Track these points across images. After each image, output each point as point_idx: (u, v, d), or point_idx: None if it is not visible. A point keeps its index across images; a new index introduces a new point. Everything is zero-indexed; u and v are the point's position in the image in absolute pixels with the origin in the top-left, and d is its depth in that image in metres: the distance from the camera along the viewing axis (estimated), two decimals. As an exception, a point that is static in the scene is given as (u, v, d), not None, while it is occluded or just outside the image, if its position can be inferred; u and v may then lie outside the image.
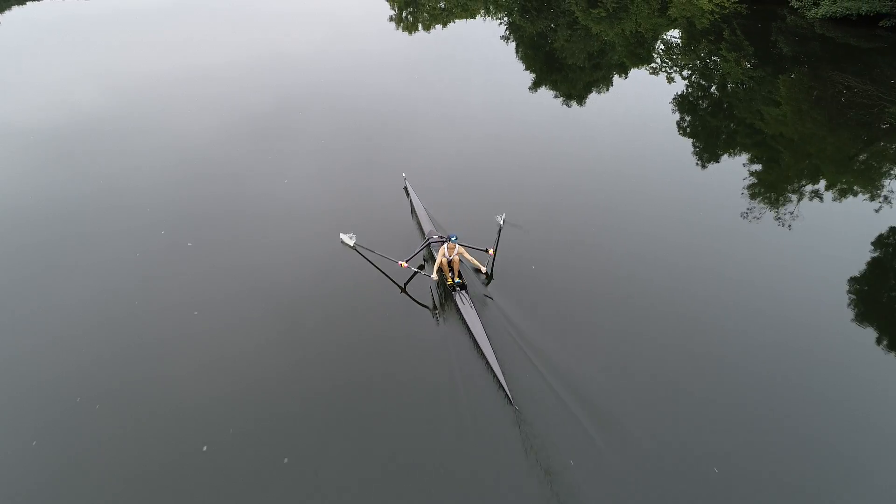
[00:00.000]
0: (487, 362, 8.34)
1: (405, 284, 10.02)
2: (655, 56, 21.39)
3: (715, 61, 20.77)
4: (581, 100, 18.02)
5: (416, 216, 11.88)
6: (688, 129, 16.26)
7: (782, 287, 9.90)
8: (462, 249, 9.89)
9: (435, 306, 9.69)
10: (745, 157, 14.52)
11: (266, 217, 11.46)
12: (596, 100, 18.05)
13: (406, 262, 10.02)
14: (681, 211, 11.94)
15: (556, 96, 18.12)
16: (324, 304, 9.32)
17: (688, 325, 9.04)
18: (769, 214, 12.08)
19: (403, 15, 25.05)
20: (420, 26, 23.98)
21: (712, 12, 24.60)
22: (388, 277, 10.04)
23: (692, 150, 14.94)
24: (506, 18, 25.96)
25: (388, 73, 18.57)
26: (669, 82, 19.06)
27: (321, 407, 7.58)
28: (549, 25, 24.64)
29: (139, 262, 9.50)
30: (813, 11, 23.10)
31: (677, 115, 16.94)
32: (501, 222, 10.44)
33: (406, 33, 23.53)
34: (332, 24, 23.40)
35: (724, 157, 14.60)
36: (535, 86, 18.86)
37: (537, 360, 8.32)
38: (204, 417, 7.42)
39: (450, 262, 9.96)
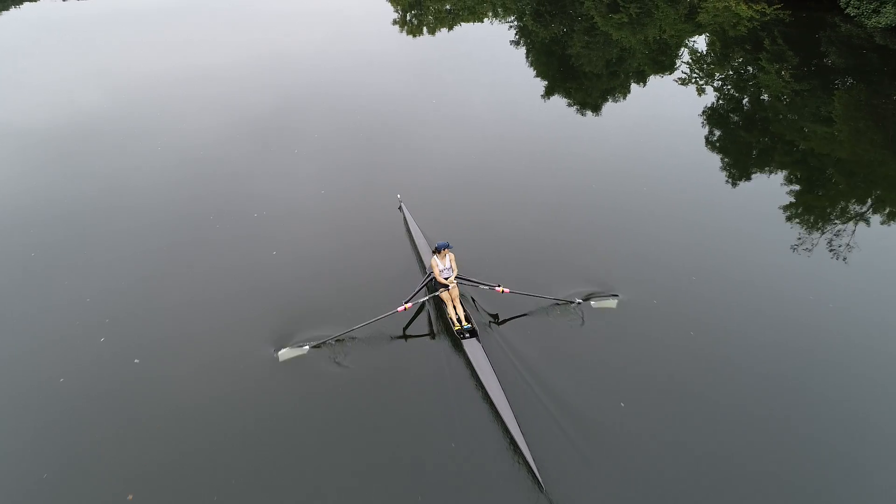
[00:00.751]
0: (510, 435, 6.96)
1: (405, 329, 8.85)
2: (678, 64, 19.75)
3: (750, 72, 18.93)
4: (597, 109, 16.49)
5: (413, 242, 10.65)
6: (717, 144, 14.57)
7: (836, 330, 8.65)
8: (454, 258, 8.94)
9: (442, 364, 8.21)
10: (781, 175, 13.05)
11: (270, 218, 11.13)
12: (613, 109, 16.50)
13: (407, 303, 8.60)
14: (710, 237, 10.72)
15: (569, 104, 16.66)
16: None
17: (751, 388, 7.79)
18: (817, 241, 10.74)
19: (407, 18, 23.79)
20: (425, 29, 22.63)
21: (751, 19, 22.31)
22: (386, 336, 8.70)
23: (720, 165, 13.45)
24: (515, 22, 24.50)
25: (389, 77, 17.62)
26: (700, 94, 17.40)
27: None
28: (564, 30, 23.18)
29: (139, 263, 9.43)
30: (874, 20, 20.66)
31: (705, 129, 15.25)
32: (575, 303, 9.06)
33: (410, 37, 22.27)
34: (333, 25, 22.49)
35: (758, 176, 13.20)
36: (548, 93, 17.42)
37: (566, 425, 7.10)
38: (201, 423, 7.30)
39: (449, 290, 8.76)
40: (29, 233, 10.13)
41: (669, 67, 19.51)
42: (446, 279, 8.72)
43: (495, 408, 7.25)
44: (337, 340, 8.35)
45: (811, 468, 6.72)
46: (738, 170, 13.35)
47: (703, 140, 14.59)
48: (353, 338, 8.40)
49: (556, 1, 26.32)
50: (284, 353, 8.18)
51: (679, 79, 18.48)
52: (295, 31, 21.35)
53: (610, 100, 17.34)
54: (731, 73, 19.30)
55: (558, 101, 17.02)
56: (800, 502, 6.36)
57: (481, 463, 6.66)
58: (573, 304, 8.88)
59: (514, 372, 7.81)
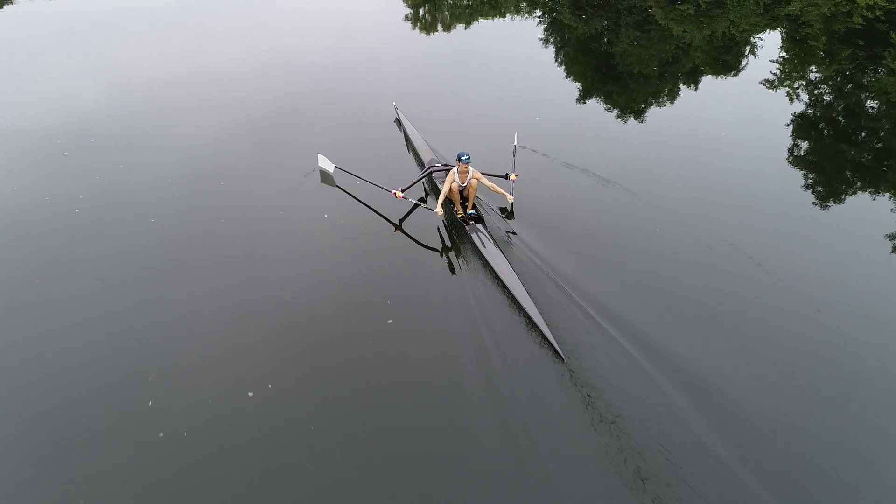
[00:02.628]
0: (520, 307, 7.18)
1: (400, 221, 9.16)
2: (745, 63, 16.71)
3: (853, 74, 15.48)
4: (640, 115, 13.60)
5: (413, 148, 10.96)
6: (804, 158, 11.67)
7: None
8: (479, 175, 8.74)
9: (444, 246, 8.61)
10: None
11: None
12: (663, 115, 13.68)
13: (402, 191, 8.95)
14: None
15: (608, 108, 13.85)
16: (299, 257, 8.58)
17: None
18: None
19: (420, 14, 21.49)
20: (439, 26, 20.23)
21: (873, 6, 18.69)
22: (377, 213, 9.34)
23: (803, 182, 10.79)
24: (545, 17, 21.62)
25: (399, 75, 15.70)
26: (792, 99, 14.21)
27: (324, 381, 6.63)
28: (607, 26, 20.11)
29: (140, 264, 8.61)
30: None
31: (788, 139, 12.26)
32: (515, 143, 10.11)
33: (424, 34, 19.81)
34: (341, 24, 20.57)
35: (862, 195, 10.58)
36: (584, 97, 14.59)
37: (583, 302, 7.25)
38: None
39: (462, 191, 8.81)
40: (24, 232, 9.37)
41: (734, 68, 16.45)
42: (462, 186, 8.70)
43: (508, 289, 7.39)
44: (343, 176, 9.71)
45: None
46: (834, 189, 10.33)
47: (784, 152, 11.70)
48: (354, 197, 9.50)
49: None
50: (323, 163, 9.94)
51: (755, 80, 15.31)
52: (301, 29, 19.91)
53: (660, 104, 14.38)
54: (828, 74, 15.90)
55: (595, 106, 14.03)
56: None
57: (501, 339, 6.87)
58: (514, 141, 10.07)
59: (522, 252, 8.15)
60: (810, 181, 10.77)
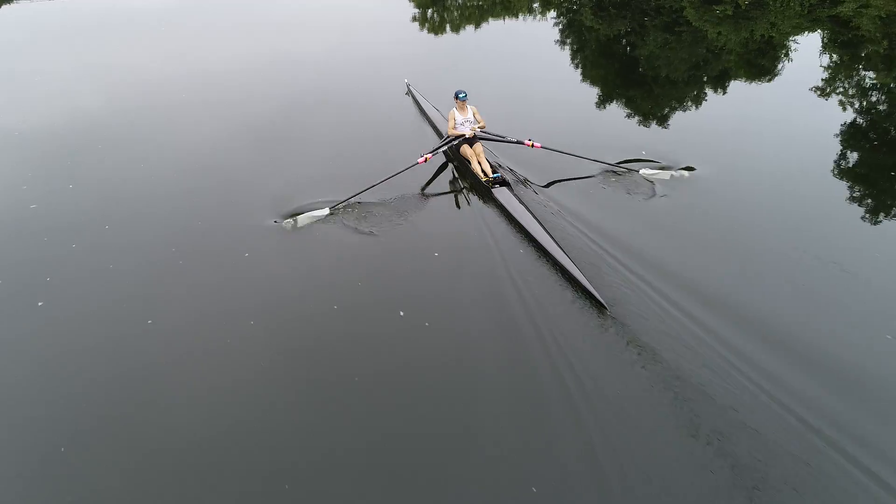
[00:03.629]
0: (555, 262, 7.01)
1: (424, 189, 9.02)
2: (781, 67, 15.22)
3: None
4: (664, 121, 12.15)
5: (429, 119, 11.31)
6: (852, 170, 10.07)
7: None
8: (477, 111, 9.36)
9: (476, 216, 8.29)
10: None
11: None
12: (691, 121, 12.20)
13: (429, 154, 8.87)
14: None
15: (629, 115, 12.28)
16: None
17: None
18: None
19: (429, 14, 20.56)
20: (448, 27, 19.18)
21: None
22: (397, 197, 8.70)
23: (847, 196, 9.19)
24: (562, 18, 20.40)
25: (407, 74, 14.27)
26: (845, 107, 12.64)
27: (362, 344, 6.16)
28: (631, 27, 18.76)
29: (143, 275, 7.93)
30: None
31: (832, 152, 10.63)
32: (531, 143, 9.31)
33: (433, 35, 18.55)
34: (345, 25, 19.73)
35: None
36: (603, 102, 13.19)
37: (618, 254, 7.09)
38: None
39: (472, 146, 9.08)
40: (23, 239, 8.77)
41: (769, 72, 14.94)
42: (467, 130, 9.09)
43: (542, 246, 7.26)
44: (357, 202, 8.47)
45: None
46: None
47: (830, 163, 10.19)
48: (372, 201, 8.54)
49: None
50: (303, 219, 8.16)
51: (819, 88, 13.75)
52: (304, 32, 19.19)
53: (686, 109, 12.94)
54: (885, 81, 14.28)
55: (617, 111, 12.60)
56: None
57: (541, 296, 6.58)
58: (627, 172, 9.06)
59: (552, 215, 7.97)
60: (857, 193, 9.18)
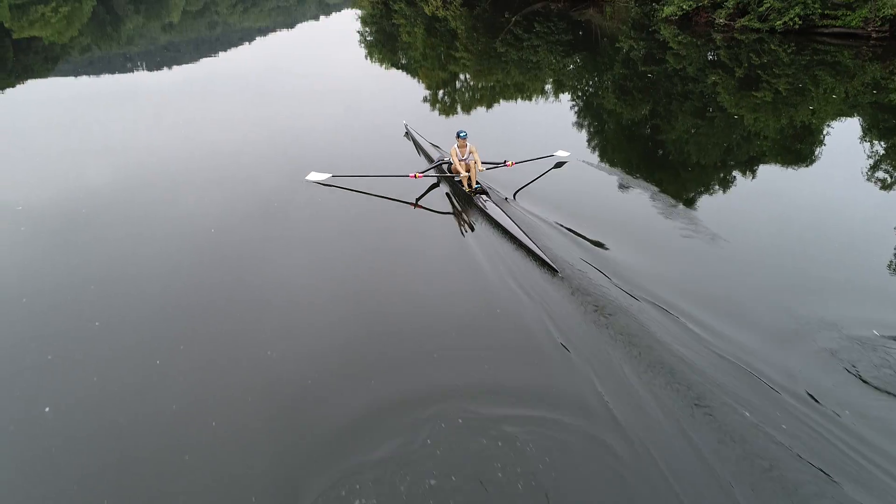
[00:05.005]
0: (519, 243, 9.07)
1: (417, 200, 10.98)
2: (819, 153, 14.15)
3: None
4: (692, 203, 11.33)
5: (423, 152, 13.11)
6: None
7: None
8: (475, 149, 10.70)
9: (457, 210, 10.64)
10: None
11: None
12: (722, 207, 11.44)
13: (419, 173, 11.03)
14: None
15: (653, 198, 11.20)
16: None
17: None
18: None
19: (440, 95, 20.19)
20: (459, 108, 18.64)
21: None
22: (394, 200, 10.96)
23: None
24: (577, 101, 19.81)
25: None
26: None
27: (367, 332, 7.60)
28: (656, 111, 17.94)
29: (144, 352, 7.68)
30: None
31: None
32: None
33: (443, 116, 17.73)
34: (352, 102, 19.48)
35: None
36: (626, 186, 12.09)
37: (566, 229, 9.55)
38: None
39: (465, 161, 10.71)
40: (25, 315, 8.72)
41: (807, 158, 13.90)
42: (466, 164, 10.73)
43: (504, 228, 9.44)
44: (356, 182, 11.44)
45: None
46: None
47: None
48: (369, 191, 11.15)
49: (644, 75, 21.88)
50: (312, 175, 11.57)
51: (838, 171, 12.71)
52: (311, 109, 19.07)
53: (714, 194, 11.93)
54: None
55: (641, 195, 11.45)
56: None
57: (511, 264, 8.71)
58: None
59: (523, 213, 10.15)
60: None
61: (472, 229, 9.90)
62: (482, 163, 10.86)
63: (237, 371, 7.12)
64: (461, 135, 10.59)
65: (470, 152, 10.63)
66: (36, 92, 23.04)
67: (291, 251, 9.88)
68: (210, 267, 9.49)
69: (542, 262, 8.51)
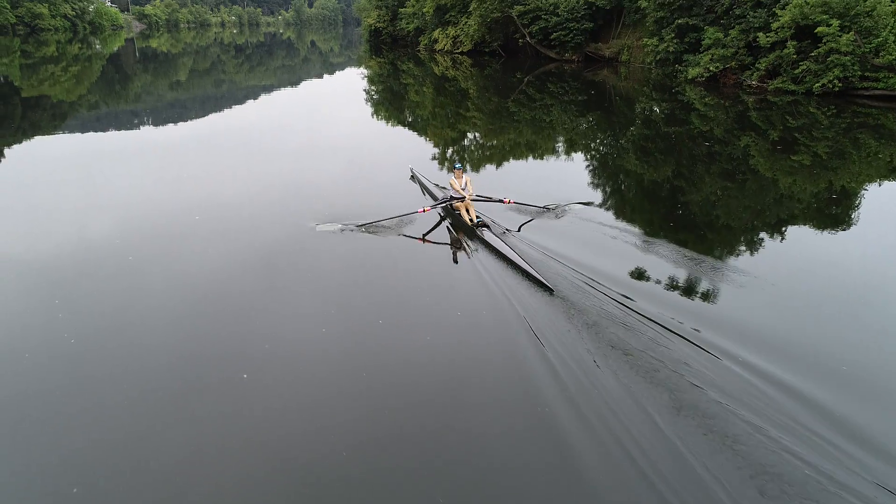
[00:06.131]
0: (517, 267, 9.73)
1: (424, 235, 11.67)
2: (856, 217, 13.28)
3: None
4: (720, 260, 10.69)
5: (429, 192, 13.79)
6: None
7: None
8: (470, 180, 12.02)
9: (462, 245, 11.14)
10: None
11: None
12: (753, 265, 10.45)
13: (428, 207, 11.99)
14: None
15: (675, 260, 10.42)
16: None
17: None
18: None
19: (448, 153, 19.86)
20: (469, 167, 17.99)
21: None
22: (403, 236, 11.60)
23: None
24: (592, 161, 19.17)
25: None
26: None
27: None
28: (680, 172, 17.19)
29: (144, 403, 7.71)
30: None
31: None
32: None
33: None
34: (357, 160, 19.34)
35: None
36: (648, 248, 11.21)
37: (561, 259, 10.11)
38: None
39: (463, 189, 11.75)
40: (24, 370, 8.69)
41: (843, 223, 13.02)
42: (463, 193, 11.73)
43: (508, 258, 10.08)
44: (366, 228, 11.66)
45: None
46: None
47: None
48: (378, 231, 11.66)
49: (667, 136, 21.19)
50: (322, 227, 11.78)
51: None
52: (315, 165, 18.88)
53: (741, 254, 11.20)
54: None
55: (662, 256, 10.47)
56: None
57: (512, 286, 9.30)
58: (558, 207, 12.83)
59: (522, 244, 10.85)
60: None
61: (476, 257, 10.56)
62: (476, 194, 12.04)
63: (241, 429, 6.98)
64: (457, 166, 11.92)
65: (466, 183, 11.79)
66: (42, 147, 23.01)
67: (299, 301, 9.79)
68: (216, 320, 9.42)
69: (539, 282, 9.25)
